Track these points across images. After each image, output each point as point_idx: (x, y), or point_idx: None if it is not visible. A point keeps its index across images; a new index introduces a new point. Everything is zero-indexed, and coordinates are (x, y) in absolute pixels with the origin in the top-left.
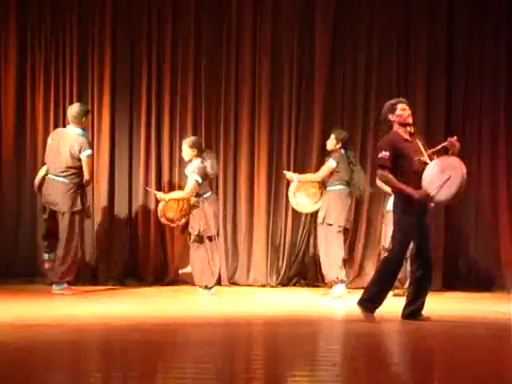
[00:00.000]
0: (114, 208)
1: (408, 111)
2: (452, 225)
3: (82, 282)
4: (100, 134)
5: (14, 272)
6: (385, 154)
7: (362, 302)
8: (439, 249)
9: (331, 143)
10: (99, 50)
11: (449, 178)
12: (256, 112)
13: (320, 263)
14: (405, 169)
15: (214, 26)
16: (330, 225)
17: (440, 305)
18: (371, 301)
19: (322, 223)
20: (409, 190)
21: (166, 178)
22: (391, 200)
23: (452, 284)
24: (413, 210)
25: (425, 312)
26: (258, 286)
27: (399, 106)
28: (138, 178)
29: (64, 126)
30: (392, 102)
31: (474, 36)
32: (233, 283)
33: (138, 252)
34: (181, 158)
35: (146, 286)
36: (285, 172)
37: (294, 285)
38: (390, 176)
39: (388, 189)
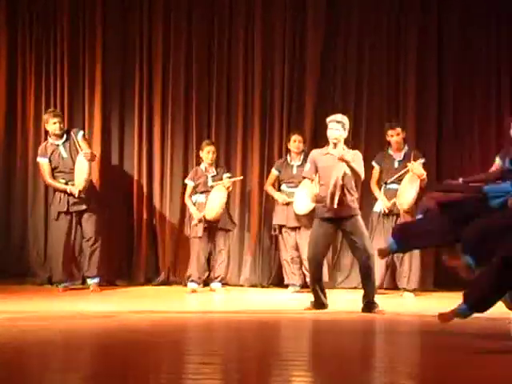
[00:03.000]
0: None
1: (332, 130)
2: None
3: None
4: (91, 136)
5: (4, 272)
6: (308, 165)
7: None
8: (431, 249)
9: (301, 145)
10: (90, 50)
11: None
12: (249, 110)
13: (301, 263)
14: (320, 180)
15: (205, 15)
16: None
17: (431, 304)
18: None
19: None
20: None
21: (157, 178)
22: (378, 202)
23: (443, 283)
24: (320, 215)
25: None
26: (250, 286)
27: (328, 125)
28: (130, 179)
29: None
30: (327, 119)
31: (465, 29)
32: (224, 283)
33: (129, 252)
34: (172, 158)
35: (138, 285)
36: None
37: (286, 285)
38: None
39: (377, 192)
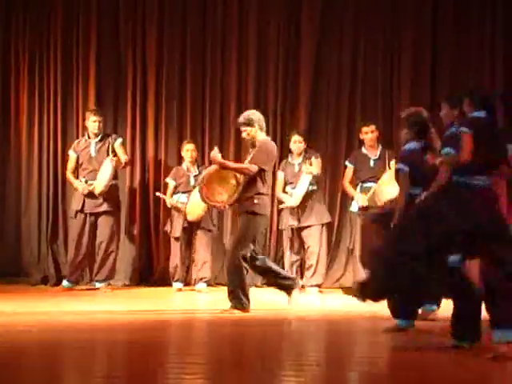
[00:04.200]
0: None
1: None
2: None
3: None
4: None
5: None
6: None
7: None
8: None
9: (302, 145)
10: (84, 50)
11: None
12: (243, 111)
13: (305, 264)
14: None
15: (199, 17)
16: (323, 225)
17: None
18: None
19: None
20: None
21: (151, 179)
22: (355, 202)
23: None
24: None
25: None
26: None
27: None
28: (123, 177)
29: (48, 130)
30: None
31: (458, 32)
32: (217, 283)
33: (123, 252)
34: (166, 159)
35: (132, 286)
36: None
37: None
38: None
39: (352, 191)
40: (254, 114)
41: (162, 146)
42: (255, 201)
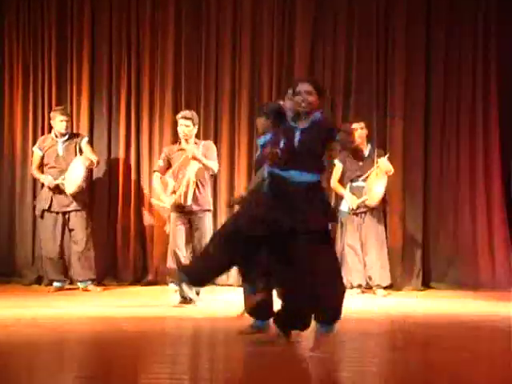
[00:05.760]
0: (92, 207)
1: (182, 126)
2: (430, 226)
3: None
4: (78, 130)
5: None
6: (161, 162)
7: None
8: (417, 249)
9: None
10: (78, 47)
11: None
12: (236, 105)
13: None
14: (173, 175)
15: (193, 10)
16: None
17: (418, 304)
18: None
19: None
20: None
21: (145, 174)
22: (345, 201)
23: (429, 283)
24: (174, 209)
25: None
26: (238, 286)
27: (178, 122)
28: (117, 176)
29: (42, 127)
30: (176, 116)
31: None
32: (212, 283)
33: (116, 251)
34: (160, 154)
35: (125, 285)
36: None
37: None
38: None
39: (342, 190)
40: (196, 117)
41: (156, 145)
42: (210, 199)
